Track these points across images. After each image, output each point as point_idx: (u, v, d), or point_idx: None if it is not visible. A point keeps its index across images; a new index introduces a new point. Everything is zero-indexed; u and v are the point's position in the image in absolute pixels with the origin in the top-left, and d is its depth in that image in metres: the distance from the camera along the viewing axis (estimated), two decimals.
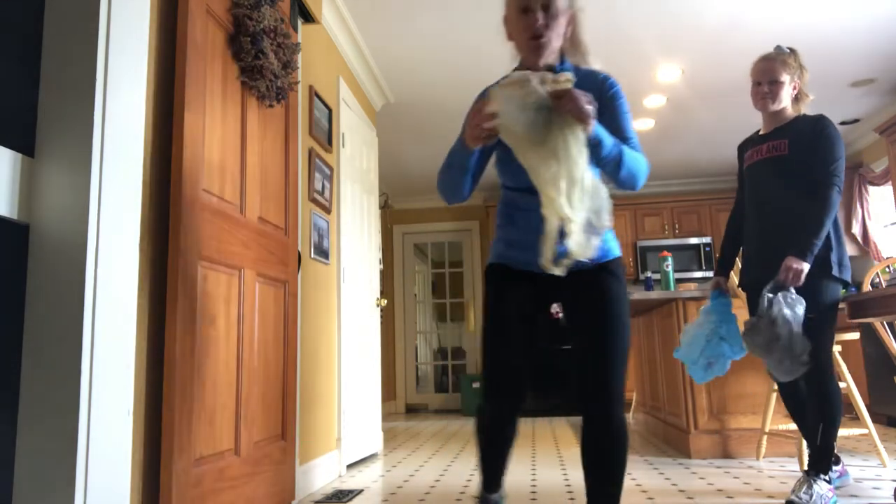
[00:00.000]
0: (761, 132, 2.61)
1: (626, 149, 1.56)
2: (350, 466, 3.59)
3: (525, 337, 1.72)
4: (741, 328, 2.42)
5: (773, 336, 2.21)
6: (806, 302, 2.25)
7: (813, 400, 2.35)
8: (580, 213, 1.40)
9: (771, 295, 2.26)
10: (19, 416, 1.38)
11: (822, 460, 2.33)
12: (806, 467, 2.40)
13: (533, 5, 1.65)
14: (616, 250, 1.73)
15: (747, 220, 2.59)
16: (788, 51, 2.51)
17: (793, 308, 2.23)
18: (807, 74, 2.53)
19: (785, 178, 2.43)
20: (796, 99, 2.54)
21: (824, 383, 2.32)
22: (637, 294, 3.71)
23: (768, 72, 2.48)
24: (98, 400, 1.44)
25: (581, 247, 1.40)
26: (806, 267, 2.27)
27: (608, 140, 1.52)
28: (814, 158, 2.38)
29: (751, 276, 2.53)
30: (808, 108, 2.58)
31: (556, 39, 1.69)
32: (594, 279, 1.66)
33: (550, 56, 1.71)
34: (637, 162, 1.58)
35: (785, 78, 2.46)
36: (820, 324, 2.32)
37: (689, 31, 4.06)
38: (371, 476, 3.29)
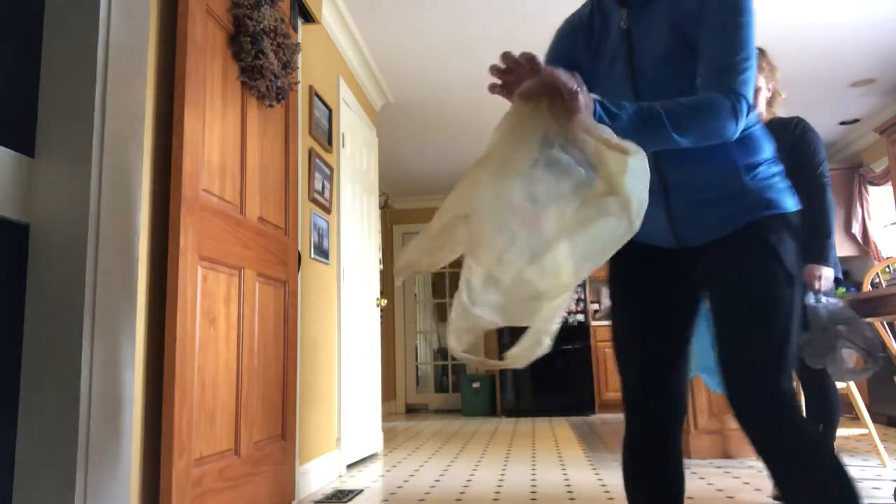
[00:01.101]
0: None
1: (668, 108, 1.11)
2: (350, 466, 3.59)
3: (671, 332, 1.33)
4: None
5: (831, 341, 2.16)
6: None
7: (813, 401, 2.35)
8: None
9: (813, 303, 2.22)
10: (19, 417, 1.38)
11: None
12: None
13: None
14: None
15: None
16: (758, 51, 2.48)
17: (837, 305, 2.21)
18: (778, 73, 2.48)
19: None
20: (771, 100, 2.50)
21: (823, 383, 2.32)
22: None
23: None
24: (98, 400, 1.44)
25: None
26: (827, 271, 2.27)
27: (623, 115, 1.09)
28: (796, 164, 2.36)
29: None
30: (782, 107, 2.54)
31: None
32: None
33: None
34: (697, 113, 1.12)
35: (760, 82, 2.41)
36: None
37: None
38: (371, 476, 3.29)
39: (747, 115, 1.17)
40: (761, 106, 2.45)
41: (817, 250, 2.27)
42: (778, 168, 1.29)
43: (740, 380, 1.18)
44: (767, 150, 1.29)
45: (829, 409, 2.32)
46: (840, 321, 2.18)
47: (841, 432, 2.67)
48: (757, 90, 2.40)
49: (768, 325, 1.18)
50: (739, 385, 1.18)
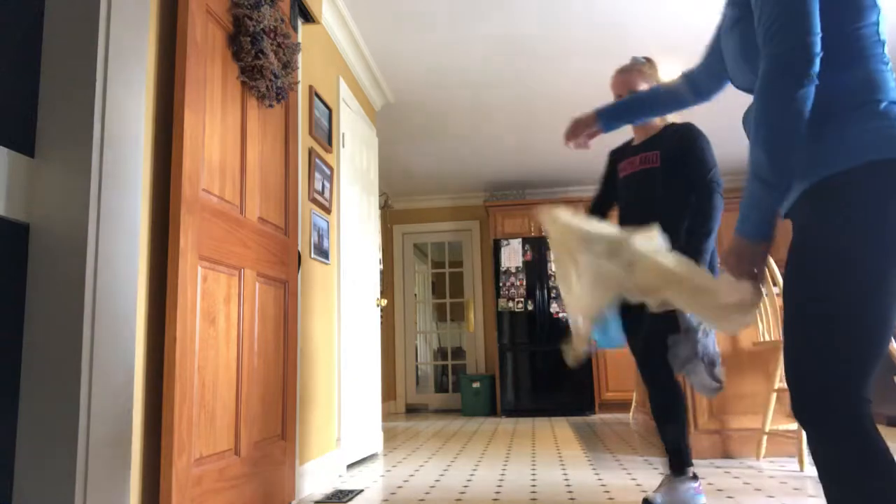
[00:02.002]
0: (634, 143, 2.63)
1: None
2: (350, 466, 3.59)
3: None
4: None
5: (693, 346, 2.26)
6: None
7: (678, 401, 2.45)
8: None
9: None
10: (19, 416, 1.38)
11: (688, 456, 2.42)
12: (670, 470, 2.41)
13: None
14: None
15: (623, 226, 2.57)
16: (644, 60, 2.53)
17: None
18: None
19: (658, 189, 2.44)
20: None
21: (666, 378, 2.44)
22: None
23: (628, 84, 2.47)
24: (98, 400, 1.44)
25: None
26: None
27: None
28: (686, 170, 2.42)
29: None
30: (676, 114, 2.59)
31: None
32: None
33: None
34: (759, 110, 1.15)
35: (644, 88, 2.45)
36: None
37: (689, 31, 4.06)
38: (371, 476, 3.29)
39: (811, 59, 1.09)
40: None
41: (694, 245, 2.34)
42: None
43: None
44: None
45: (685, 408, 2.44)
46: (700, 325, 2.27)
47: None
48: None
49: None
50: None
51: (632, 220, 2.49)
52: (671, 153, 2.45)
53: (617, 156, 2.70)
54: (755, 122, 1.15)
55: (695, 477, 2.38)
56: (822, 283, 1.09)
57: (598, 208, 2.74)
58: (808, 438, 1.10)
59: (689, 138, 2.45)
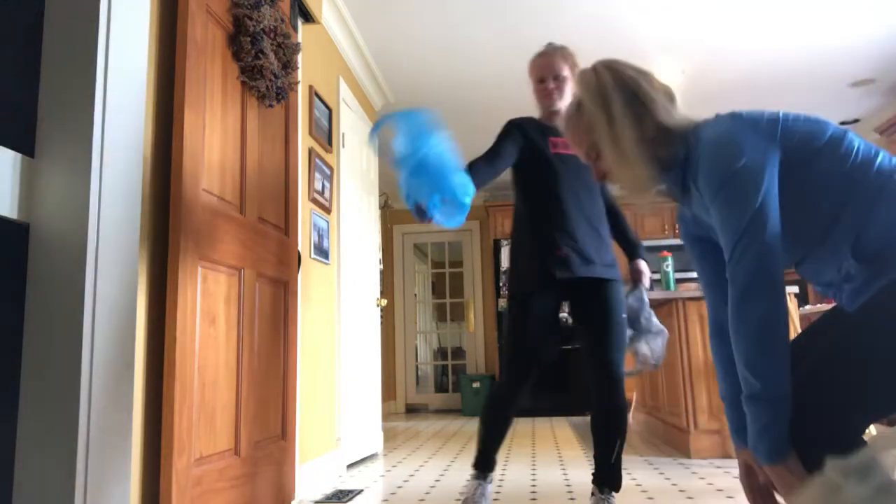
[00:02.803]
0: (549, 125, 2.46)
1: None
2: (350, 466, 3.59)
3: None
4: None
5: (641, 328, 2.38)
6: (621, 300, 2.34)
7: (608, 416, 2.23)
8: None
9: (641, 296, 2.46)
10: (19, 416, 1.38)
11: (618, 476, 2.24)
12: (600, 485, 2.23)
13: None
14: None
15: (564, 207, 2.35)
16: (561, 46, 2.46)
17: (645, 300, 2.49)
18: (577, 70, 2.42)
19: (584, 176, 2.38)
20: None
21: (622, 396, 2.24)
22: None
23: (551, 67, 2.38)
24: (98, 400, 1.44)
25: None
26: (646, 266, 2.51)
27: None
28: None
29: (567, 245, 2.32)
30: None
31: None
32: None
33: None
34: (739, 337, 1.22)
35: (567, 73, 2.39)
36: (623, 330, 2.32)
37: (689, 31, 4.06)
38: (371, 476, 3.29)
39: (746, 257, 1.19)
40: (568, 96, 2.40)
41: (640, 248, 2.49)
42: None
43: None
44: None
45: (625, 423, 2.25)
46: (645, 313, 2.39)
47: None
48: (565, 79, 2.39)
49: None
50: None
51: (575, 203, 2.35)
52: None
53: (538, 129, 2.43)
54: (734, 338, 1.20)
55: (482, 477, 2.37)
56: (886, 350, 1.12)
57: (494, 167, 2.29)
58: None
59: None
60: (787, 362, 1.15)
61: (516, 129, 2.41)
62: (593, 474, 2.26)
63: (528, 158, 2.39)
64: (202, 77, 1.93)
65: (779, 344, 1.14)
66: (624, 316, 2.33)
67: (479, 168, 2.23)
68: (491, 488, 2.39)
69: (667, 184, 1.43)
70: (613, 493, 2.22)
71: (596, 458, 2.26)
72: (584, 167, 2.34)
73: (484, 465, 2.36)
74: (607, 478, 2.22)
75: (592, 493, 2.24)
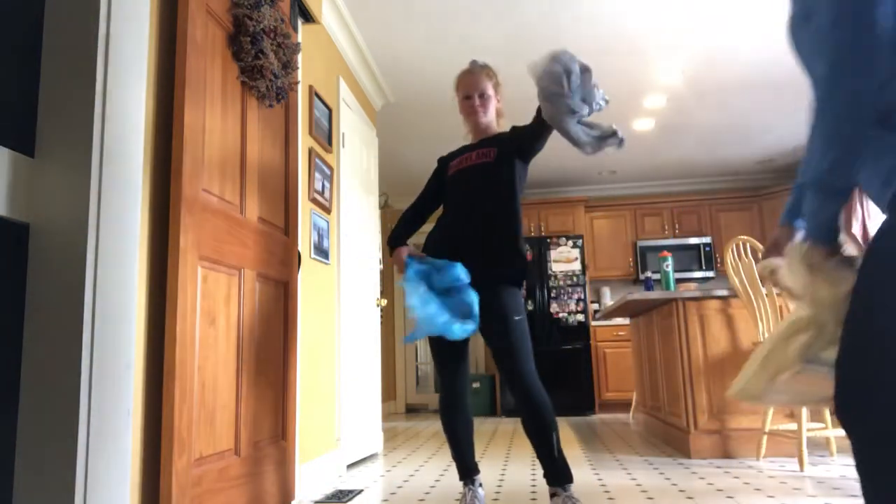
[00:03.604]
0: (470, 142, 2.60)
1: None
2: (350, 466, 3.59)
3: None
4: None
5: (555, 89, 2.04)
6: (510, 305, 2.33)
7: (532, 416, 2.31)
8: None
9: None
10: (19, 416, 1.38)
11: (566, 468, 2.28)
12: (553, 484, 2.26)
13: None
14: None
15: (452, 221, 2.53)
16: (485, 64, 2.54)
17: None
18: (502, 90, 2.57)
19: (492, 183, 2.42)
20: (497, 115, 2.58)
21: (533, 396, 2.31)
22: (637, 294, 3.71)
23: (477, 85, 2.48)
24: (98, 400, 1.44)
25: None
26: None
27: None
28: (519, 146, 2.41)
29: (442, 251, 2.46)
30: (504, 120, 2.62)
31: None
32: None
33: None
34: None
35: (491, 91, 2.50)
36: (523, 329, 2.34)
37: (689, 32, 4.06)
38: (371, 476, 3.29)
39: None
40: (492, 113, 2.53)
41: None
42: None
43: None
44: None
45: (551, 415, 2.29)
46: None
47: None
48: (490, 98, 2.50)
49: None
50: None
51: (462, 212, 2.47)
52: (506, 147, 2.43)
53: (447, 159, 2.63)
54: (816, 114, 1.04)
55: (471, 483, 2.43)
56: None
57: (419, 210, 2.69)
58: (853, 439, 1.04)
59: (517, 128, 2.47)
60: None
61: (438, 164, 2.67)
62: (544, 475, 2.28)
63: (439, 191, 2.64)
64: (202, 77, 1.93)
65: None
66: (517, 318, 2.33)
67: (406, 217, 2.68)
68: (483, 491, 2.45)
69: None
70: (570, 485, 2.25)
71: (539, 458, 2.31)
72: (477, 176, 2.45)
73: (464, 472, 2.44)
74: (558, 473, 2.26)
75: (553, 495, 2.24)
